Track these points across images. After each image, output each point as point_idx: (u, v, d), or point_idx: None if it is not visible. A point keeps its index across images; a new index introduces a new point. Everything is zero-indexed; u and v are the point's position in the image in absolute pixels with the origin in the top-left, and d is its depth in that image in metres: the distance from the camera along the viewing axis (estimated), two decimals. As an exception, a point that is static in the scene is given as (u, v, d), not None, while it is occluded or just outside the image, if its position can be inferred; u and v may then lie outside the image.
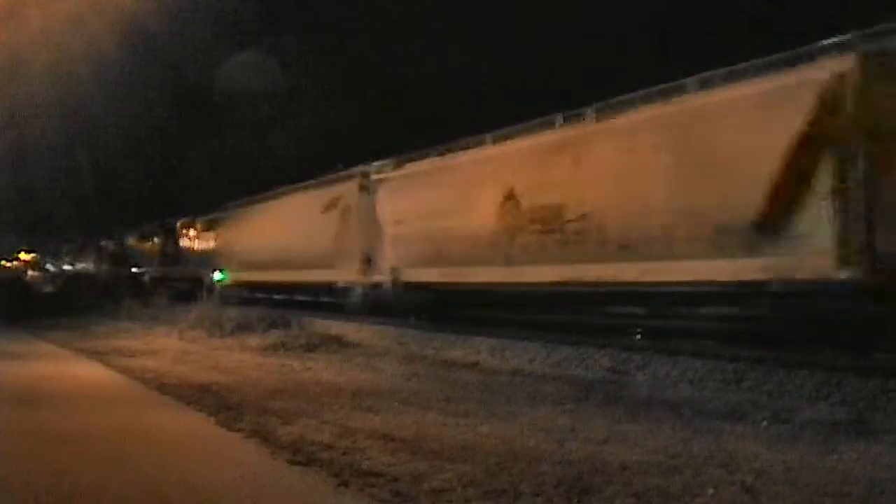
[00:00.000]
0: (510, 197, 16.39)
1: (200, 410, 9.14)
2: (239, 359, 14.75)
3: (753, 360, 11.07)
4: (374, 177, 21.80)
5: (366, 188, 22.00)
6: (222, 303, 22.87)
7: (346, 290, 23.14)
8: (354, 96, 34.43)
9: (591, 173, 14.62)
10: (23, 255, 69.19)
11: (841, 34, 11.16)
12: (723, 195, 12.11)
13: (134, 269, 45.14)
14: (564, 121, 15.76)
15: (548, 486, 5.79)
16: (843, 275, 10.62)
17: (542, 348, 14.05)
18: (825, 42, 11.32)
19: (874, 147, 10.43)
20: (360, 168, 22.71)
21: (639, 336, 14.66)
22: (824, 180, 10.80)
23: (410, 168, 20.62)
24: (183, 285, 34.41)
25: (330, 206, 23.93)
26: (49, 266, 67.52)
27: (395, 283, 20.57)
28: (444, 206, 18.63)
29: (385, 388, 10.85)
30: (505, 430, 7.86)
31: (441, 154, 19.46)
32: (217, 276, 32.76)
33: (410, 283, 19.98)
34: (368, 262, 21.59)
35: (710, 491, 5.68)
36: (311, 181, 26.06)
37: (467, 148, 18.44)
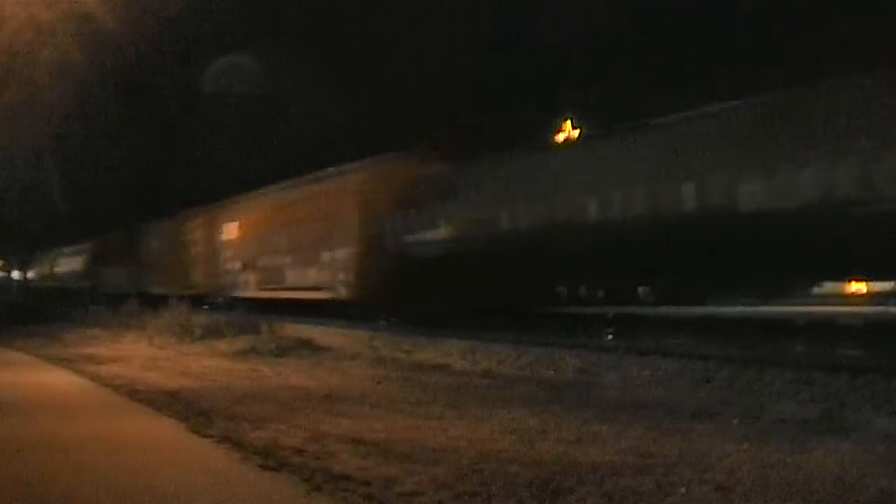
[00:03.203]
0: None
1: (171, 416, 9.06)
2: (209, 364, 14.64)
3: (723, 358, 11.16)
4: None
5: None
6: (191, 308, 22.71)
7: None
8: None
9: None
10: None
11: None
12: None
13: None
14: None
15: (519, 487, 5.79)
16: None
17: (512, 350, 14.09)
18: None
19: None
20: None
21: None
22: None
23: None
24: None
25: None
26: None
27: None
28: None
29: (356, 392, 10.81)
30: (476, 432, 7.85)
31: None
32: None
33: None
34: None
35: (682, 490, 5.71)
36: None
37: None
